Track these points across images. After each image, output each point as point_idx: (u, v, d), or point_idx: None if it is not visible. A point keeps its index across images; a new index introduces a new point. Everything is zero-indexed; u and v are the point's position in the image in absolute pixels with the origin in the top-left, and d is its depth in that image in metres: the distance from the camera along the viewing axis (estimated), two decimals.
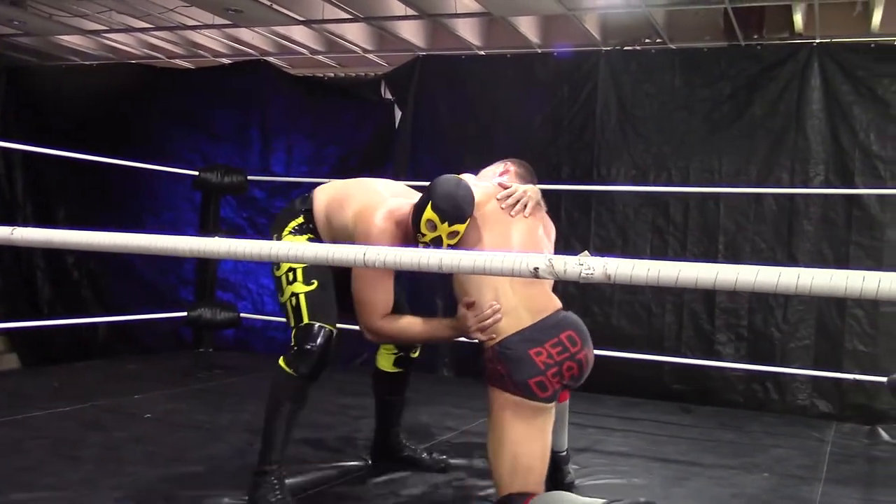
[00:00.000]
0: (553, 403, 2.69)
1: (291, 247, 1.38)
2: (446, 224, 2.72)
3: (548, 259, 1.13)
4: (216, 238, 1.48)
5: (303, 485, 3.11)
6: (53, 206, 7.45)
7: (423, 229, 2.75)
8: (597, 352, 5.21)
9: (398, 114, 6.58)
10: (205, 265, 6.16)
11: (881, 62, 5.19)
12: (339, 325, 2.92)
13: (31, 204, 7.54)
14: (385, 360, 3.35)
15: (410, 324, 2.87)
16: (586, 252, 1.17)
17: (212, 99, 7.01)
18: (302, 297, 2.86)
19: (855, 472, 3.79)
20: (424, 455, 3.46)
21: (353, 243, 2.65)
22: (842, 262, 5.21)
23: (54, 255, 7.37)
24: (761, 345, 5.32)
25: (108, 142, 6.39)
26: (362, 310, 2.83)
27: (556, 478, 3.27)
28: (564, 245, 5.26)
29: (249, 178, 6.17)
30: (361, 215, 2.87)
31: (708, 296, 5.40)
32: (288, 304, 2.89)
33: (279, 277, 2.94)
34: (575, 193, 5.64)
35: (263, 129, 6.87)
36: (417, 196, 2.92)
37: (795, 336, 5.24)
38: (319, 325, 2.83)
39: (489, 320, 2.65)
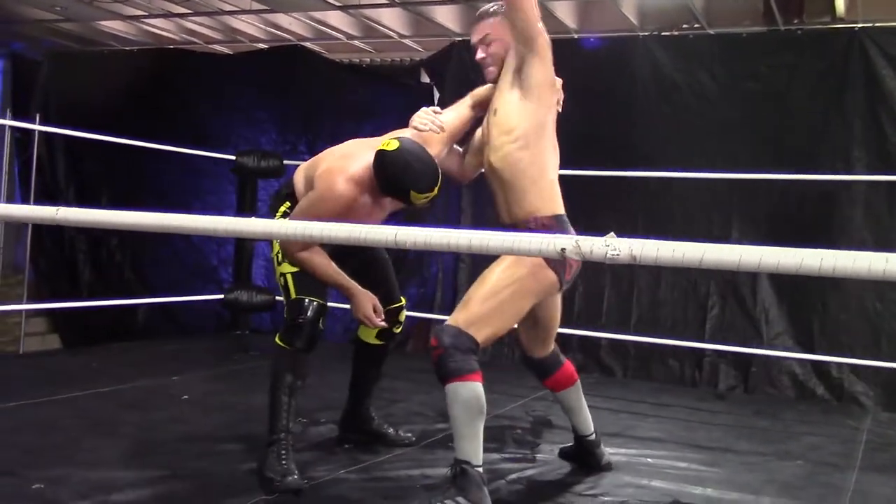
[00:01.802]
0: (555, 292, 2.96)
1: (325, 227, 1.40)
2: (434, 190, 2.85)
3: (575, 240, 1.15)
4: (252, 218, 1.52)
5: (337, 465, 3.16)
6: (95, 190, 7.57)
7: (415, 201, 2.85)
8: (632, 338, 5.32)
9: (437, 96, 6.58)
10: (242, 248, 6.23)
11: None
12: None
13: (73, 188, 7.66)
14: (367, 332, 3.39)
15: (324, 267, 2.97)
16: (612, 234, 1.19)
17: (252, 84, 7.07)
18: (289, 277, 3.01)
19: (891, 461, 3.74)
20: (391, 430, 3.52)
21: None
22: (882, 247, 5.14)
23: (97, 237, 7.50)
24: (801, 327, 5.30)
25: (149, 127, 6.49)
26: None
27: (591, 461, 3.31)
28: (616, 228, 5.33)
29: (286, 162, 6.22)
30: (322, 177, 2.94)
31: (751, 274, 5.37)
32: (279, 283, 3.07)
33: (272, 259, 3.12)
34: (616, 179, 5.61)
35: (305, 114, 6.92)
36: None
37: (837, 320, 5.20)
38: (309, 300, 2.97)
39: (371, 318, 3.06)
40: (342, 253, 3.04)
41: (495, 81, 3.05)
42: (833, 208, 5.25)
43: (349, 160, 2.98)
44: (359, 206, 2.93)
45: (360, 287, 3.11)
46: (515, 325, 3.04)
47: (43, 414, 3.66)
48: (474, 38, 3.06)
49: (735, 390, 5.34)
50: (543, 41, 2.90)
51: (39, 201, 7.45)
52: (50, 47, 8.11)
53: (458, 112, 3.16)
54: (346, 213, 2.86)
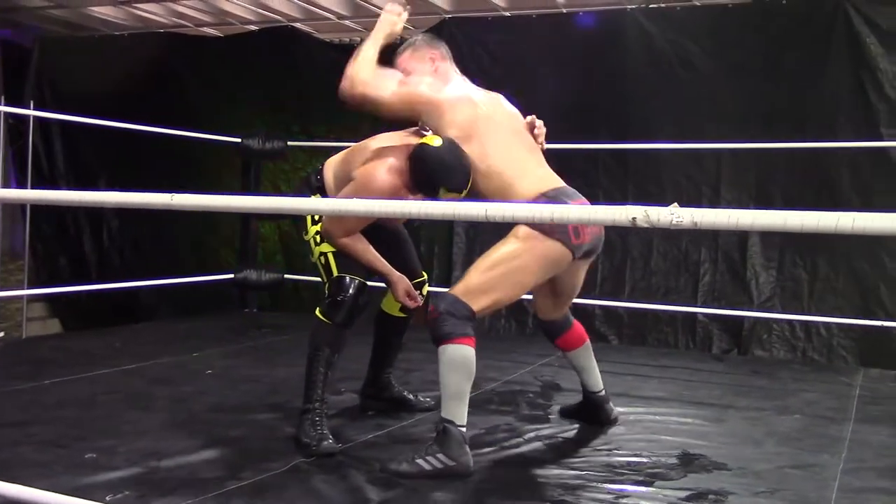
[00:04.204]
0: (570, 260, 2.99)
1: (421, 205, 1.54)
2: (463, 192, 2.98)
3: (644, 210, 1.31)
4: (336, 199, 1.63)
5: (365, 430, 3.33)
6: (91, 175, 7.62)
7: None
8: (632, 304, 5.49)
9: None
10: (248, 229, 6.35)
11: None
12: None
13: (71, 174, 7.71)
14: (391, 305, 3.54)
15: (364, 252, 3.14)
16: (676, 204, 1.35)
17: (243, 66, 7.13)
18: (330, 256, 3.15)
19: (883, 412, 3.94)
20: (410, 396, 3.69)
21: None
22: (867, 210, 5.33)
23: (96, 220, 7.58)
24: (790, 289, 5.51)
25: (142, 111, 6.52)
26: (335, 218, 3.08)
27: (601, 416, 3.48)
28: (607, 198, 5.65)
29: (290, 143, 6.32)
30: (364, 171, 3.07)
31: (742, 241, 5.58)
32: (318, 262, 3.20)
33: (308, 241, 3.24)
34: (608, 150, 5.78)
35: (298, 95, 7.00)
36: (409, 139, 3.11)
37: (824, 278, 5.41)
38: (350, 277, 3.12)
39: (406, 303, 3.29)
40: (370, 233, 3.19)
41: None
42: (819, 172, 5.43)
43: (387, 152, 3.09)
44: (399, 196, 3.06)
45: (396, 272, 3.28)
46: (529, 294, 3.20)
47: (79, 390, 3.80)
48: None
49: (729, 354, 5.55)
50: (399, 97, 3.04)
51: (36, 188, 7.51)
52: (39, 33, 8.13)
53: None
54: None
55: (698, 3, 6.04)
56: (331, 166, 3.30)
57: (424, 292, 3.57)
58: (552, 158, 3.28)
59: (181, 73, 7.39)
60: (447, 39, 6.41)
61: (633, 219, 1.30)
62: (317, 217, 3.17)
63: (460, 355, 2.82)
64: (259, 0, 7.20)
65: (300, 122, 7.05)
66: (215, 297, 6.96)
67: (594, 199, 5.91)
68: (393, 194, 3.03)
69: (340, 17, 7.31)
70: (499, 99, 3.26)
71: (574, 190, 3.11)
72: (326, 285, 3.18)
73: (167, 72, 7.38)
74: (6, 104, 7.04)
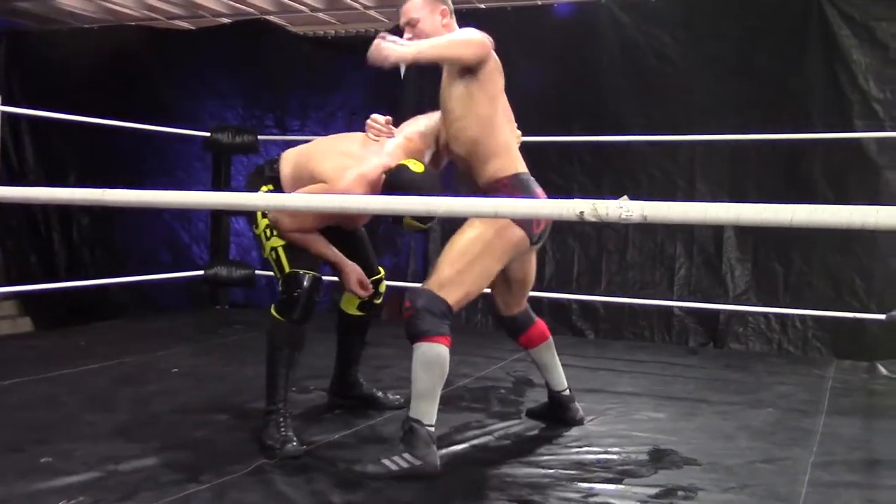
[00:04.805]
0: (527, 249, 3.06)
1: (383, 199, 1.50)
2: (427, 225, 3.02)
3: (592, 204, 1.26)
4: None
5: (332, 430, 3.27)
6: (62, 170, 7.51)
7: (406, 224, 3.01)
8: (606, 298, 5.47)
9: (403, 67, 6.60)
10: (218, 224, 6.27)
11: (879, 5, 5.26)
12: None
13: (41, 169, 7.60)
14: (349, 304, 3.49)
15: (315, 242, 3.08)
16: (626, 197, 1.30)
17: (216, 59, 7.05)
18: (281, 251, 3.07)
19: (855, 405, 3.94)
20: (379, 394, 3.64)
21: None
22: (841, 202, 5.34)
23: (66, 216, 7.48)
24: (765, 282, 5.49)
25: (113, 104, 6.43)
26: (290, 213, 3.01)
27: (567, 416, 3.43)
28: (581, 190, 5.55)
29: (260, 137, 6.24)
30: (333, 172, 2.99)
31: (717, 234, 5.56)
32: (270, 258, 3.12)
33: (259, 235, 3.15)
34: (585, 144, 5.75)
35: (271, 88, 6.92)
36: (379, 148, 3.07)
37: (798, 272, 5.39)
38: (303, 272, 3.04)
39: (357, 291, 3.22)
40: (324, 228, 3.12)
41: None
42: (793, 164, 5.42)
43: (361, 161, 3.02)
44: None
45: (348, 261, 3.22)
46: (488, 289, 3.15)
47: (40, 391, 3.72)
48: (401, 21, 3.08)
49: (705, 347, 5.53)
50: (487, 54, 2.98)
51: (5, 183, 7.40)
52: (6, 26, 7.99)
53: (432, 117, 3.28)
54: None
55: None
56: (289, 160, 3.21)
57: (382, 289, 3.52)
58: (527, 151, 3.25)
59: (152, 67, 7.28)
60: None
61: (581, 213, 1.25)
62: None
63: (435, 354, 2.78)
64: None
65: (274, 115, 6.98)
66: (187, 295, 6.88)
67: (569, 193, 5.92)
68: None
69: (314, 9, 7.23)
70: None
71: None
72: (279, 282, 3.12)
73: (138, 65, 7.27)
74: None
